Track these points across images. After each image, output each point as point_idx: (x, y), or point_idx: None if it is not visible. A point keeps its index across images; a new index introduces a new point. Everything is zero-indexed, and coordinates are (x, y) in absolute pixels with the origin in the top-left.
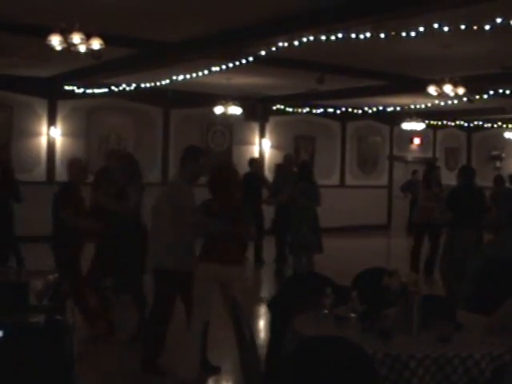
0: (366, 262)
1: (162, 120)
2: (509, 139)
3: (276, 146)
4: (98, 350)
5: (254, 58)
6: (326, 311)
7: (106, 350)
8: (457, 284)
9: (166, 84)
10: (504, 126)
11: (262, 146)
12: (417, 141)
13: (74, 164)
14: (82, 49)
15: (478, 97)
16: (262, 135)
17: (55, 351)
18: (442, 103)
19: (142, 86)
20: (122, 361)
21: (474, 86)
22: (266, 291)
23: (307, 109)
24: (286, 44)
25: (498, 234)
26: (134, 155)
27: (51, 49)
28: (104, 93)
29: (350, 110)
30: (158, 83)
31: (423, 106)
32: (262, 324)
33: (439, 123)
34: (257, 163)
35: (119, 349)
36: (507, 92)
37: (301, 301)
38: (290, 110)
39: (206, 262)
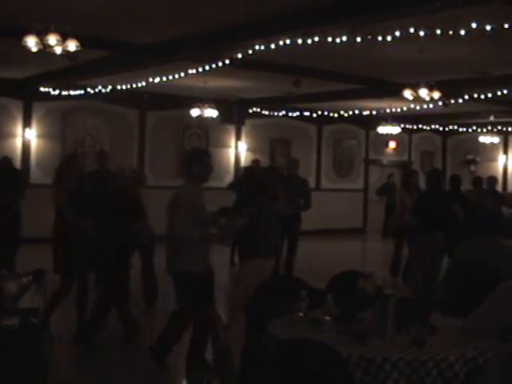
0: (341, 265)
1: (138, 122)
2: (483, 143)
3: (252, 149)
4: (78, 353)
5: (231, 61)
6: (301, 314)
7: (84, 352)
8: (428, 286)
9: (142, 86)
10: (479, 130)
11: (238, 149)
12: (392, 144)
13: None
14: (58, 50)
15: (453, 101)
16: (238, 138)
17: (30, 354)
18: (418, 107)
19: (118, 88)
20: (101, 363)
21: (449, 90)
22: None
23: (283, 112)
24: (262, 47)
25: (471, 237)
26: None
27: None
28: (80, 95)
29: (326, 113)
30: (134, 85)
31: (399, 110)
32: (237, 328)
33: (415, 127)
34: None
35: (99, 350)
36: (482, 97)
37: (276, 304)
38: (266, 113)
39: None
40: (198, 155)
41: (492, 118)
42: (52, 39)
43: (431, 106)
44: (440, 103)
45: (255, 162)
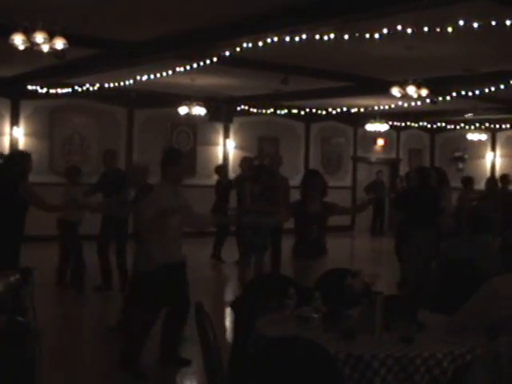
0: (329, 263)
1: (126, 120)
2: (471, 141)
3: (240, 147)
4: (68, 351)
5: (218, 59)
6: (289, 312)
7: (75, 350)
8: (419, 283)
9: (130, 84)
10: (467, 127)
11: (226, 147)
12: (380, 142)
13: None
14: (46, 48)
15: (440, 98)
16: (226, 136)
17: (17, 353)
18: (406, 104)
19: (106, 86)
20: (92, 363)
21: (436, 87)
22: (230, 292)
23: (271, 110)
24: (250, 45)
25: (460, 235)
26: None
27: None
28: (67, 93)
29: (313, 111)
30: (122, 83)
31: (387, 108)
32: (225, 325)
33: (403, 124)
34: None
35: (89, 350)
36: (470, 94)
37: (264, 301)
38: (254, 110)
39: None
40: (175, 156)
41: (471, 115)
42: (39, 37)
43: (419, 103)
44: (428, 100)
45: (247, 160)
